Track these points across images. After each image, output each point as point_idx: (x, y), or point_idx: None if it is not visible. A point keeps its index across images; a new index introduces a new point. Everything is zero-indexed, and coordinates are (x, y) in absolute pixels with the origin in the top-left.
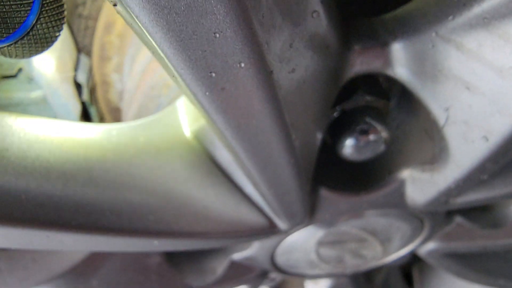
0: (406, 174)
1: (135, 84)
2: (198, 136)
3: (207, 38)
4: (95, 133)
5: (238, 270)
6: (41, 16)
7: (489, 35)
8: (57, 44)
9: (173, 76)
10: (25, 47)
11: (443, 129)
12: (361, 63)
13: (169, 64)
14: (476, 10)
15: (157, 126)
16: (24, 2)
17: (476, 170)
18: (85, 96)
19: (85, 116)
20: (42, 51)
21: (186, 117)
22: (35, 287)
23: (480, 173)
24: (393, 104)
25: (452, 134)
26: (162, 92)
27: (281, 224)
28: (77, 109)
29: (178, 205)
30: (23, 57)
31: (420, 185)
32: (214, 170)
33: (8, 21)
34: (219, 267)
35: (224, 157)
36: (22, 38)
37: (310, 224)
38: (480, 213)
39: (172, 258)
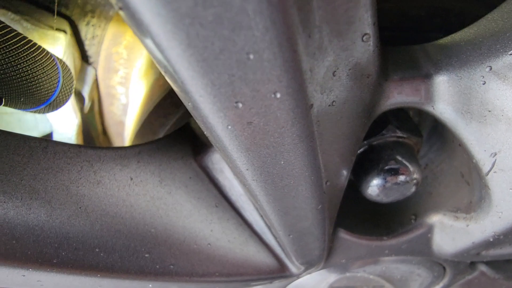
0: (435, 219)
1: (140, 100)
2: (206, 164)
3: (237, 59)
4: (89, 155)
5: None
6: (62, 88)
7: None
8: (60, 50)
9: (188, 103)
10: (45, 110)
11: (486, 177)
12: (398, 96)
13: (184, 89)
14: None
15: (162, 150)
16: (52, 80)
17: None
18: (87, 108)
19: (85, 131)
20: (53, 111)
21: (195, 142)
22: None
23: None
24: (424, 138)
25: (498, 183)
26: (169, 111)
27: (294, 268)
28: (76, 122)
29: (178, 242)
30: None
31: (451, 233)
32: (222, 202)
33: (38, 95)
34: None
35: (234, 188)
36: (47, 106)
37: (324, 268)
38: (505, 262)
39: None
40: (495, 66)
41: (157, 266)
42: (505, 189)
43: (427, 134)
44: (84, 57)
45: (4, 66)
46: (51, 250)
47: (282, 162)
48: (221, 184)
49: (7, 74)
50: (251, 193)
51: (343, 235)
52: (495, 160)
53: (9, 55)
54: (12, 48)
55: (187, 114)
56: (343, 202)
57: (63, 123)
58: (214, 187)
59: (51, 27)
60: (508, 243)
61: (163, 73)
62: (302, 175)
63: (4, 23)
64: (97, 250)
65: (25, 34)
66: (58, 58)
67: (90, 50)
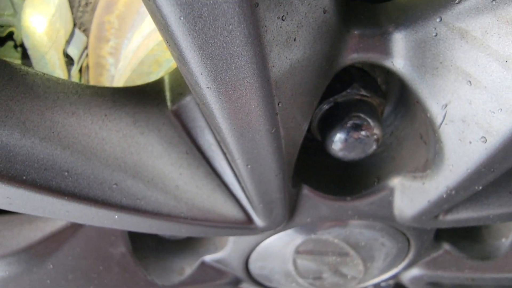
0: (396, 181)
1: (126, 62)
2: (180, 112)
3: None
4: (67, 87)
5: (208, 273)
6: None
7: (497, 21)
8: (51, 7)
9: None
10: None
11: (439, 129)
12: (358, 50)
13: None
14: None
15: (139, 95)
16: None
17: (472, 176)
18: (75, 71)
19: None
20: None
21: (171, 92)
22: None
23: (476, 181)
24: (389, 110)
25: (449, 135)
26: (152, 69)
27: (259, 220)
28: None
29: (147, 179)
30: None
31: (410, 194)
32: (193, 150)
33: None
34: (188, 267)
35: (205, 138)
36: None
37: (289, 227)
38: (470, 243)
39: (137, 250)
40: (445, 17)
41: (124, 198)
42: (455, 140)
43: (393, 103)
44: (77, 25)
45: None
46: (22, 167)
47: (233, 67)
48: (193, 133)
49: None
50: (208, 111)
51: (307, 192)
52: (446, 111)
53: None
54: None
55: (167, 72)
56: (310, 162)
57: None
58: (186, 135)
59: None
60: (463, 206)
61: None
62: (253, 86)
63: None
64: (66, 173)
65: None
66: None
67: (83, 17)
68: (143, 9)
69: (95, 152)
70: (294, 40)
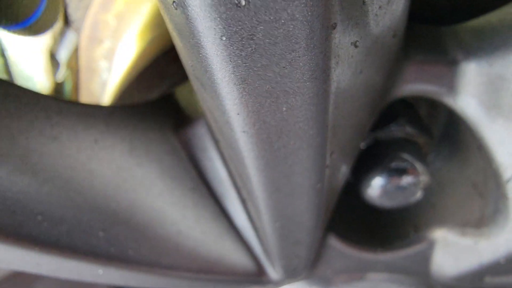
0: (438, 234)
1: (122, 67)
2: (188, 139)
3: None
4: (48, 105)
5: None
6: (46, 9)
7: None
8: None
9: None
10: (26, 32)
11: (506, 185)
12: (417, 81)
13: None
14: None
15: (138, 117)
16: None
17: None
18: (61, 75)
19: None
20: (34, 35)
21: (178, 113)
22: None
23: None
24: (433, 146)
25: None
26: (152, 83)
27: (273, 272)
28: (46, 86)
29: (143, 224)
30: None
31: (455, 252)
32: (200, 186)
33: (18, 13)
34: None
35: (216, 172)
36: (28, 27)
37: (306, 278)
38: None
39: None
40: None
41: (112, 249)
42: None
43: (436, 140)
44: (68, 22)
45: None
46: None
47: (284, 109)
48: (202, 165)
49: None
50: (236, 156)
51: (334, 242)
52: None
53: None
54: None
55: (171, 86)
56: (338, 207)
57: (31, 84)
58: (193, 167)
59: None
60: None
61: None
62: (306, 134)
63: None
64: (39, 217)
65: None
66: None
67: (75, 14)
68: (146, 10)
69: (79, 190)
70: (361, 72)
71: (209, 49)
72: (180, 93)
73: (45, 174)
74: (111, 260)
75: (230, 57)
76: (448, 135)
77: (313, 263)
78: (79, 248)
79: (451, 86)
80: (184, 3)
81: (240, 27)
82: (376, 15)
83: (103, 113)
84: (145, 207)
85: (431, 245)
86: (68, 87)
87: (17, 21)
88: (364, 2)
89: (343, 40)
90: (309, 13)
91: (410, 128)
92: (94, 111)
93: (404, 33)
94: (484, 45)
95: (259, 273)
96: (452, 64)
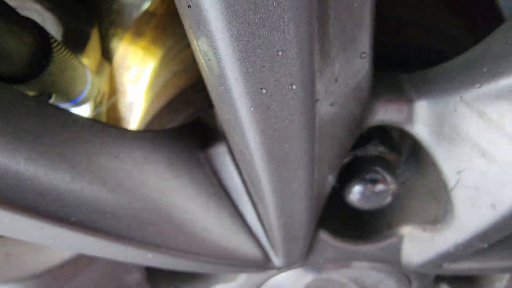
0: (406, 230)
1: (146, 89)
2: (211, 157)
3: (270, 54)
4: (111, 132)
5: None
6: (89, 90)
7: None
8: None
9: (221, 86)
10: (73, 106)
11: (451, 192)
12: (384, 113)
13: (222, 74)
14: (504, 82)
15: (174, 138)
16: (83, 82)
17: (479, 236)
18: (96, 101)
19: None
20: (80, 106)
21: (203, 136)
22: (2, 284)
23: (482, 240)
24: (401, 162)
25: (460, 198)
26: (180, 107)
27: (276, 260)
28: (87, 112)
29: (179, 221)
30: None
31: (418, 244)
32: (220, 192)
33: (69, 96)
34: None
35: (232, 182)
36: (76, 104)
37: (302, 266)
38: (465, 284)
39: (151, 278)
40: (465, 97)
41: (158, 239)
42: (466, 204)
43: (405, 157)
44: (102, 52)
45: (55, 71)
46: (70, 209)
47: (287, 146)
48: (221, 176)
49: (57, 77)
50: (255, 174)
51: (324, 236)
52: (459, 177)
53: (58, 64)
54: (61, 59)
55: (196, 112)
56: (328, 208)
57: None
58: (215, 177)
59: (79, 19)
60: (467, 257)
61: (204, 61)
62: (301, 160)
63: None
64: (108, 215)
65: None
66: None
67: (109, 46)
68: (170, 44)
69: (134, 195)
70: (337, 117)
71: (243, 117)
72: (207, 118)
73: (111, 183)
74: (158, 247)
75: (257, 122)
76: (414, 153)
77: (307, 253)
78: (135, 237)
79: (409, 118)
80: (220, 63)
81: (261, 103)
82: (346, 84)
83: (149, 136)
84: (180, 208)
85: (400, 239)
86: (100, 110)
87: (68, 100)
88: (336, 80)
89: (323, 105)
90: (304, 96)
91: (382, 148)
92: (143, 135)
93: (371, 83)
94: (431, 89)
95: (266, 260)
96: (409, 102)
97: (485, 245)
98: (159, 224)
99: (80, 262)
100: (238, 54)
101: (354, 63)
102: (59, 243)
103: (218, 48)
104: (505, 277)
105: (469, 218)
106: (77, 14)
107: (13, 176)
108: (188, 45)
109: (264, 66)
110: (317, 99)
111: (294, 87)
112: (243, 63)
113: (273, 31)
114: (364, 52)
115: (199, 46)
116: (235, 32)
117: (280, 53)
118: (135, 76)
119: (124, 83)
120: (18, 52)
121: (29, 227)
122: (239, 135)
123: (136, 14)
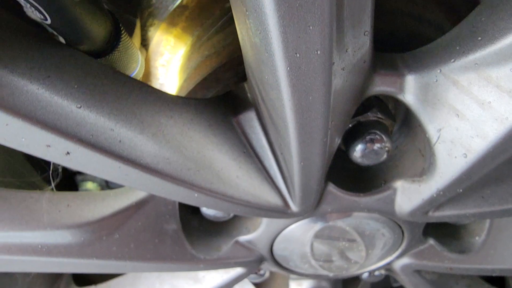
0: (398, 184)
1: (176, 73)
2: (241, 121)
3: (303, 28)
4: (169, 98)
5: (239, 251)
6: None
7: (477, 77)
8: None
9: (265, 53)
10: None
11: (434, 147)
12: (381, 84)
13: (268, 43)
14: (471, 57)
15: (212, 105)
16: (135, 60)
17: (455, 182)
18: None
19: None
20: None
21: (236, 105)
22: (62, 229)
23: (458, 185)
24: (396, 129)
25: (440, 151)
26: (211, 85)
27: (294, 206)
28: None
29: (218, 169)
30: None
31: (408, 194)
32: (249, 150)
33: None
34: (224, 245)
35: (259, 142)
36: None
37: (313, 215)
38: (450, 239)
39: (185, 228)
40: (443, 70)
41: (203, 182)
42: (445, 155)
43: (399, 125)
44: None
45: (122, 49)
46: (139, 154)
47: (311, 98)
48: (250, 137)
49: (122, 54)
50: (284, 124)
51: (331, 188)
52: (440, 134)
53: (125, 43)
54: (126, 39)
55: (225, 87)
56: (335, 165)
57: None
58: (244, 138)
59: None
60: (447, 205)
61: (254, 35)
62: (319, 111)
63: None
64: (167, 160)
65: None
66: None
67: (146, 34)
68: (198, 33)
69: (185, 147)
70: (346, 81)
71: (288, 113)
72: (239, 89)
73: (168, 137)
74: (202, 188)
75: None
76: (406, 121)
77: (317, 203)
78: (186, 180)
79: (401, 88)
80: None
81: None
82: (354, 55)
83: (194, 103)
84: (218, 159)
85: (394, 191)
86: None
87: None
88: (346, 50)
89: (337, 68)
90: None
91: (380, 114)
92: (189, 101)
93: (372, 59)
94: (418, 65)
95: (286, 207)
96: (401, 75)
97: (461, 190)
98: (203, 170)
99: (127, 212)
100: (282, 28)
101: (359, 38)
102: (130, 181)
103: (269, 24)
104: (484, 231)
105: (447, 166)
106: (124, 6)
107: (102, 126)
108: (216, 33)
109: (299, 37)
110: (333, 62)
111: (318, 52)
112: (285, 34)
113: (306, 12)
114: (366, 31)
115: (251, 25)
116: (282, 13)
117: (310, 27)
118: (167, 61)
119: (157, 67)
120: (102, 29)
121: (110, 167)
122: (275, 90)
123: (171, 7)
